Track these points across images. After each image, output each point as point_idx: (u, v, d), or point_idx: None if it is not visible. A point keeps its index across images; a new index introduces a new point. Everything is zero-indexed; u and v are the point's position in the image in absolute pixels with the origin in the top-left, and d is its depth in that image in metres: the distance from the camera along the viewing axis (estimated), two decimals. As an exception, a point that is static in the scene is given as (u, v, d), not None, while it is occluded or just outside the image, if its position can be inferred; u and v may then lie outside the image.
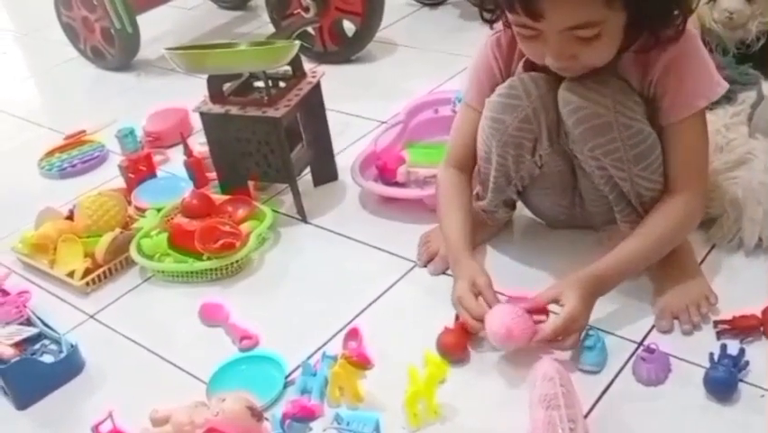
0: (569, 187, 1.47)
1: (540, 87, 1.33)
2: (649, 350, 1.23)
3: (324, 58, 2.53)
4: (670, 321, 1.32)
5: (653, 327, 1.33)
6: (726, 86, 1.31)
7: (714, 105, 1.36)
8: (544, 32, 1.21)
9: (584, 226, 1.54)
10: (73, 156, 2.18)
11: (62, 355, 1.41)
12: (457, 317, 1.36)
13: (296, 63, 1.73)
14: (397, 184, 1.78)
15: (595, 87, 1.27)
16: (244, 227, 1.65)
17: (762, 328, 1.27)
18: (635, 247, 1.32)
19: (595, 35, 1.19)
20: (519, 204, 1.58)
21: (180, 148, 1.94)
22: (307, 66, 1.80)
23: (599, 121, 1.27)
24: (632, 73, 1.30)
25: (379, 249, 1.63)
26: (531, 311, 1.27)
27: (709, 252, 1.47)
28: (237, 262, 1.61)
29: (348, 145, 2.00)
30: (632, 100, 1.28)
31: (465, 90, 1.51)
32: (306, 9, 2.46)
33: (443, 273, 1.52)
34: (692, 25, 1.28)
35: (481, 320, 1.28)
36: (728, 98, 1.60)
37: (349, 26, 2.54)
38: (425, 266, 1.55)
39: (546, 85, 1.33)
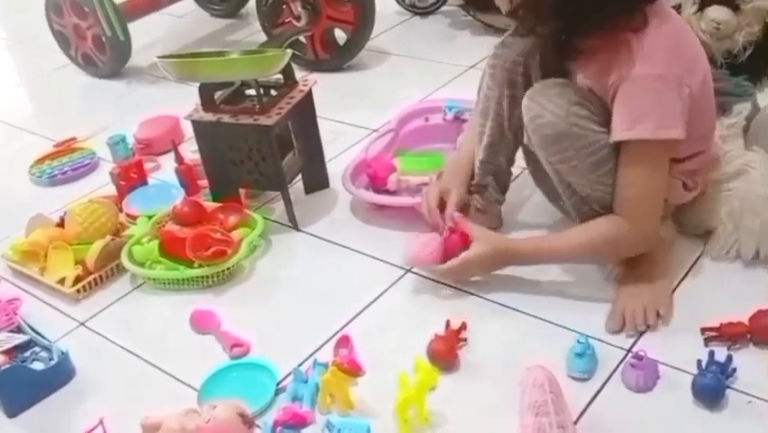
0: None
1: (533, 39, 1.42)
2: (638, 357, 1.24)
3: (315, 66, 2.54)
4: (620, 322, 1.35)
5: (642, 333, 1.34)
6: (674, 135, 1.27)
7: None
8: None
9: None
10: (64, 163, 2.18)
11: (53, 363, 1.41)
12: (447, 325, 1.37)
13: (287, 71, 1.74)
14: (387, 192, 1.79)
15: (554, 95, 1.32)
16: (236, 235, 1.65)
17: (749, 335, 1.28)
18: (557, 246, 1.42)
19: None
20: (507, 210, 1.60)
21: (172, 155, 1.94)
22: (299, 74, 1.81)
23: (553, 131, 1.32)
24: (596, 84, 1.34)
25: (371, 256, 1.64)
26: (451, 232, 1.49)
27: (698, 259, 1.49)
28: (228, 269, 1.61)
29: (339, 153, 2.00)
30: (589, 110, 1.31)
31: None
32: (298, 18, 2.47)
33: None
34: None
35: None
36: (723, 110, 1.61)
37: (340, 35, 2.55)
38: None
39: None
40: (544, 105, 1.32)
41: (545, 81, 1.37)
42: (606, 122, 1.32)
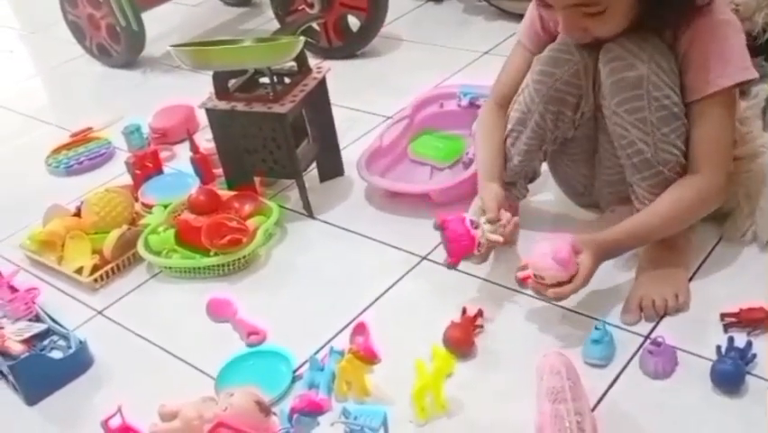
0: (593, 155, 1.49)
1: (589, 46, 1.36)
2: (656, 343, 1.23)
3: (329, 53, 2.53)
4: (637, 314, 1.34)
5: (660, 320, 1.33)
6: (755, 74, 1.31)
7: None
8: (554, 6, 1.29)
9: (595, 206, 1.57)
10: (80, 153, 2.18)
11: (71, 351, 1.42)
12: (463, 312, 1.36)
13: (301, 59, 1.74)
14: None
15: (639, 41, 1.30)
16: (251, 223, 1.65)
17: (769, 321, 1.27)
18: (645, 222, 1.35)
19: (601, 11, 1.25)
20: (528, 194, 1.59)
21: (187, 144, 1.94)
22: (312, 62, 1.81)
23: (631, 73, 1.29)
24: (670, 40, 1.33)
25: (386, 244, 1.64)
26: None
27: (716, 244, 1.47)
28: (244, 257, 1.61)
29: (354, 141, 2.00)
30: (669, 66, 1.30)
31: (520, 29, 1.54)
32: (311, 5, 2.46)
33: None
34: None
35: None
36: (742, 92, 1.59)
37: (354, 22, 2.54)
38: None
39: (591, 47, 1.36)
40: (627, 48, 1.30)
41: (631, 32, 1.32)
42: (676, 84, 1.31)
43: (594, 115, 1.42)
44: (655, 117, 1.30)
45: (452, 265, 1.37)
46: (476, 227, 1.35)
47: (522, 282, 1.35)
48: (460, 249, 1.35)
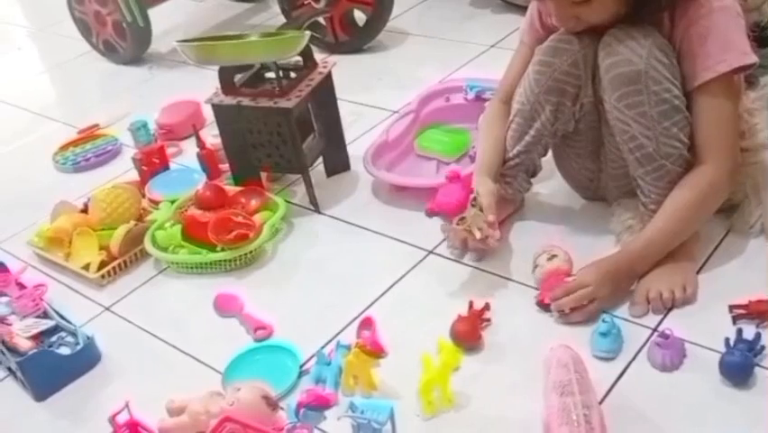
0: (598, 149, 1.48)
1: (589, 36, 1.36)
2: (664, 336, 1.22)
3: (335, 48, 2.53)
4: (645, 307, 1.33)
5: (667, 312, 1.32)
6: (755, 59, 1.30)
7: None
8: None
9: (601, 200, 1.56)
10: (87, 150, 2.19)
11: (79, 347, 1.43)
12: (470, 305, 1.36)
13: (306, 54, 1.73)
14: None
15: (637, 36, 1.29)
16: (257, 218, 1.65)
17: (778, 313, 1.26)
18: (661, 226, 1.34)
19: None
20: (531, 190, 1.58)
21: (193, 140, 1.94)
22: (318, 56, 1.80)
23: (629, 69, 1.29)
24: (666, 31, 1.32)
25: (393, 238, 1.63)
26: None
27: (725, 236, 1.46)
28: (251, 252, 1.61)
29: (360, 135, 2.00)
30: (668, 59, 1.29)
31: (522, 29, 1.55)
32: (317, 0, 2.46)
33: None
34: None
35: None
36: (750, 83, 1.58)
37: (360, 16, 2.54)
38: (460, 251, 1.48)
39: (590, 38, 1.36)
40: (625, 43, 1.29)
41: (629, 27, 1.31)
42: (676, 77, 1.30)
43: (597, 108, 1.42)
44: (656, 111, 1.30)
45: (430, 212, 1.47)
46: (473, 205, 1.38)
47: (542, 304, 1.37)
48: (442, 205, 1.47)
